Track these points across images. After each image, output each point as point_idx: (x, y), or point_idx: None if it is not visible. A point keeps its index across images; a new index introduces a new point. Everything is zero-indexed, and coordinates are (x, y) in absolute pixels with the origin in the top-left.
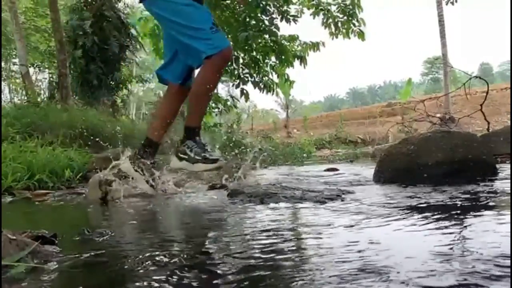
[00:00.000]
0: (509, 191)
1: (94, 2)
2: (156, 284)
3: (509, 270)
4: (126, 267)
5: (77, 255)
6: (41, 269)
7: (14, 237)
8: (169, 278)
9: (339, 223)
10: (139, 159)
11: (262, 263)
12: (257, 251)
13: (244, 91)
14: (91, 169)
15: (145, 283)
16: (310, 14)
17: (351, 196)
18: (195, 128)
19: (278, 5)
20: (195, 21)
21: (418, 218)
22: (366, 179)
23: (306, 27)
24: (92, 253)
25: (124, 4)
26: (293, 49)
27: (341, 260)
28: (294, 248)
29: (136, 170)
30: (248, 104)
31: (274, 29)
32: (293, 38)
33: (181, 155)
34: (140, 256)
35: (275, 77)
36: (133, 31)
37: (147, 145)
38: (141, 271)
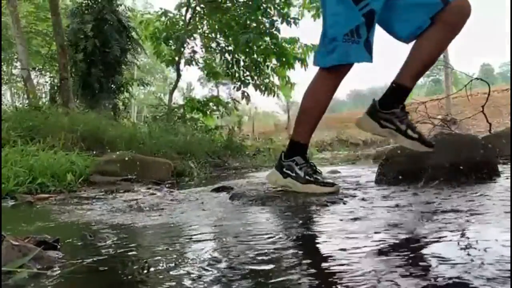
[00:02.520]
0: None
1: (95, 6)
2: None
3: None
4: (128, 273)
5: (79, 261)
6: (43, 275)
7: (17, 243)
8: (171, 282)
9: (341, 227)
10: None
11: (263, 267)
12: (258, 255)
13: (245, 94)
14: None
15: None
16: (311, 17)
17: (354, 199)
18: (304, 144)
19: (278, 8)
20: None
21: (422, 221)
22: (368, 181)
23: (306, 29)
24: (95, 259)
25: (125, 7)
26: (294, 51)
27: (340, 264)
28: (297, 254)
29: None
30: (249, 107)
31: (275, 32)
32: (293, 41)
33: (286, 171)
34: (143, 261)
35: (276, 79)
36: (134, 34)
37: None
38: (143, 276)
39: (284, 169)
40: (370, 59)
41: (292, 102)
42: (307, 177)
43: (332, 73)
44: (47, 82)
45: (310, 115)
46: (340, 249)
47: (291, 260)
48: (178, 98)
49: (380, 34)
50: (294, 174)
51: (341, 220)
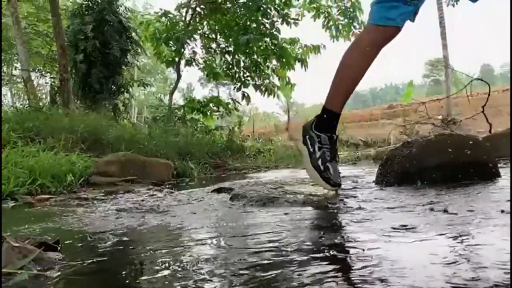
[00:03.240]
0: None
1: (95, 7)
2: None
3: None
4: (129, 274)
5: (80, 262)
6: (44, 276)
7: (17, 244)
8: (171, 284)
9: (341, 228)
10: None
11: (262, 270)
12: (257, 258)
13: (246, 94)
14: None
15: None
16: (311, 17)
17: (354, 200)
18: (335, 113)
19: (278, 8)
20: None
21: (423, 223)
22: (369, 182)
23: (306, 30)
24: (95, 260)
25: (125, 8)
26: (294, 52)
27: (341, 266)
28: (297, 255)
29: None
30: (249, 107)
31: (275, 32)
32: (294, 41)
33: (308, 140)
34: (143, 263)
35: (276, 80)
36: (134, 35)
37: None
38: (143, 278)
39: (307, 137)
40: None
41: (292, 103)
42: (319, 161)
43: (385, 32)
44: (47, 83)
45: (346, 79)
46: (341, 251)
47: (290, 260)
48: (178, 99)
49: None
50: (311, 149)
51: (341, 220)
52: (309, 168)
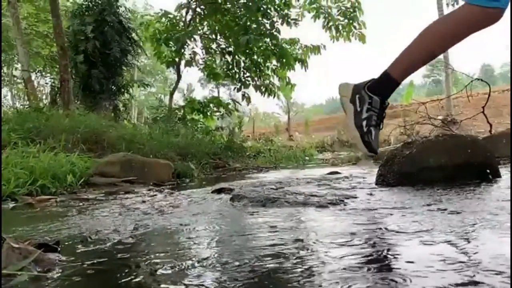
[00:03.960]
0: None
1: (95, 7)
2: None
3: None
4: (129, 275)
5: (80, 263)
6: (44, 277)
7: (17, 245)
8: (171, 285)
9: (341, 228)
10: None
11: (263, 272)
12: (257, 259)
13: (246, 95)
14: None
15: None
16: (311, 18)
17: (354, 200)
18: (395, 81)
19: (278, 9)
20: None
21: (423, 223)
22: (369, 182)
23: (306, 30)
24: (95, 261)
25: (125, 8)
26: (294, 52)
27: (343, 268)
28: (297, 256)
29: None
30: (250, 107)
31: (275, 33)
32: (294, 42)
33: (357, 98)
34: (143, 264)
35: (276, 80)
36: (134, 35)
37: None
38: (143, 279)
39: (357, 96)
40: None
41: (293, 103)
42: (364, 122)
43: (485, 14)
44: (47, 83)
45: (420, 51)
46: (341, 251)
47: (290, 262)
48: (178, 99)
49: (380, 34)
50: (358, 109)
51: (341, 221)
52: (351, 126)
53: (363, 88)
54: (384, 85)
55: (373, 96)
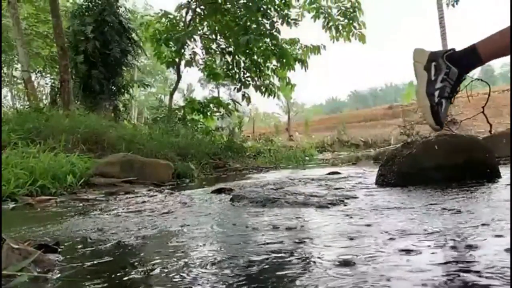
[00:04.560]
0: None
1: (95, 8)
2: None
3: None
4: (128, 276)
5: (79, 264)
6: (44, 278)
7: (17, 246)
8: (170, 286)
9: (341, 229)
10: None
11: (263, 269)
12: (257, 260)
13: (246, 95)
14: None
15: None
16: (311, 18)
17: (354, 201)
18: (481, 60)
19: (278, 9)
20: None
21: (423, 223)
22: (369, 182)
23: (307, 30)
24: (95, 262)
25: (125, 9)
26: (294, 53)
27: (343, 268)
28: (297, 258)
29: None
30: (250, 108)
31: (275, 33)
32: (294, 42)
33: (432, 66)
34: (142, 265)
35: (276, 81)
36: (134, 36)
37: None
38: (143, 280)
39: (433, 63)
40: None
41: (293, 103)
42: (436, 92)
43: None
44: (47, 84)
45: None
46: (340, 252)
47: (290, 262)
48: (178, 100)
49: (380, 34)
50: (433, 77)
51: (341, 221)
52: (421, 94)
53: (441, 56)
54: (467, 59)
55: (452, 67)
